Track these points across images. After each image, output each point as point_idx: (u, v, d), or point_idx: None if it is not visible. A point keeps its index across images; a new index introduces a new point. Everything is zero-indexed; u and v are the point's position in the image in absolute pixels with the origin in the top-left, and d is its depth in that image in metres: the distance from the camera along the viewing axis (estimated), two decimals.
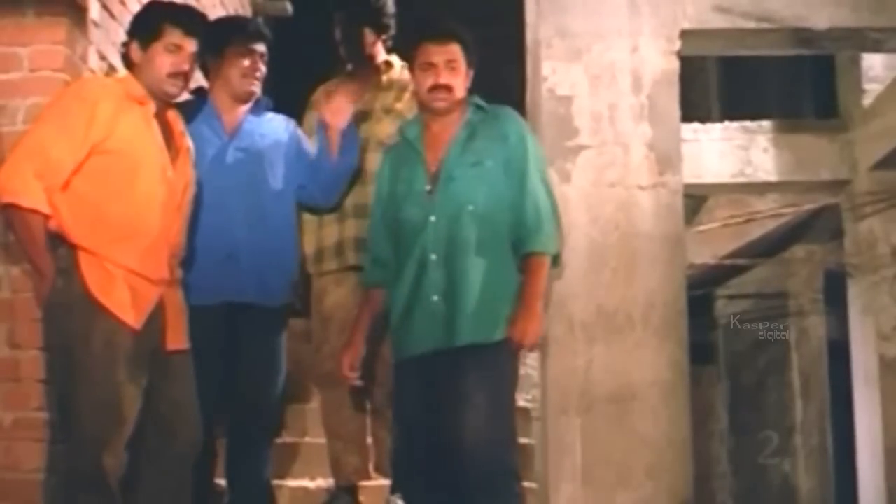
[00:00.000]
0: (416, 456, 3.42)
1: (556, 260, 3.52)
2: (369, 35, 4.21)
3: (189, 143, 3.53)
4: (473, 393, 3.30)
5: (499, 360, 3.37)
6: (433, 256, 3.41)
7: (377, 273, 3.61)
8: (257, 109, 3.96)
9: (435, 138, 3.53)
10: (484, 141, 3.48)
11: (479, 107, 3.55)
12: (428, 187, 3.47)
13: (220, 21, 4.31)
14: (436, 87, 3.48)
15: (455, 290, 3.37)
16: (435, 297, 3.39)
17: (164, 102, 3.43)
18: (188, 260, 3.55)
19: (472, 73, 3.55)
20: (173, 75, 3.38)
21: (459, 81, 3.51)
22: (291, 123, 4.05)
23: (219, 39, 3.89)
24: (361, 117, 4.17)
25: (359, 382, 3.69)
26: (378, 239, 3.61)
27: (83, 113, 3.24)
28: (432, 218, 3.42)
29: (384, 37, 4.26)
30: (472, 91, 3.56)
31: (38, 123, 3.33)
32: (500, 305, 3.37)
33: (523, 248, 3.42)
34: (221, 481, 4.02)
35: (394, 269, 3.52)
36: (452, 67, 3.49)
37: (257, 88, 3.91)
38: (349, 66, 4.28)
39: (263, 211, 3.84)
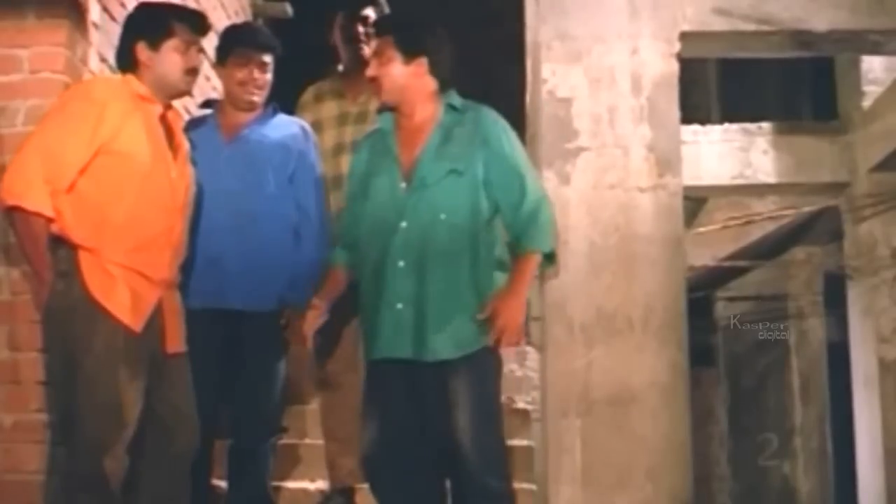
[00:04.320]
0: (394, 452, 3.35)
1: (551, 257, 3.46)
2: (368, 35, 4.22)
3: (186, 142, 3.53)
4: (456, 401, 3.26)
5: (476, 367, 3.30)
6: (401, 263, 3.32)
7: (343, 255, 3.56)
8: (264, 117, 3.94)
9: (408, 136, 3.44)
10: (460, 146, 3.37)
11: (451, 107, 3.44)
12: (403, 185, 3.37)
13: (226, 29, 4.28)
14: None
15: (422, 301, 3.29)
16: (399, 305, 3.31)
17: (168, 102, 3.43)
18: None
19: (418, 65, 3.39)
20: (189, 72, 3.39)
21: (386, 71, 3.41)
22: (305, 132, 4.00)
23: (222, 47, 3.90)
24: (356, 119, 4.18)
25: (310, 344, 3.69)
26: (349, 223, 3.54)
27: (92, 114, 3.22)
28: (403, 224, 3.34)
29: None
30: (449, 88, 3.46)
31: (44, 124, 3.29)
32: (469, 319, 3.30)
33: (516, 248, 3.37)
34: (221, 483, 4.03)
35: (359, 254, 3.46)
36: (380, 61, 3.42)
37: (257, 98, 3.88)
38: (339, 67, 4.30)
39: (255, 216, 3.80)
